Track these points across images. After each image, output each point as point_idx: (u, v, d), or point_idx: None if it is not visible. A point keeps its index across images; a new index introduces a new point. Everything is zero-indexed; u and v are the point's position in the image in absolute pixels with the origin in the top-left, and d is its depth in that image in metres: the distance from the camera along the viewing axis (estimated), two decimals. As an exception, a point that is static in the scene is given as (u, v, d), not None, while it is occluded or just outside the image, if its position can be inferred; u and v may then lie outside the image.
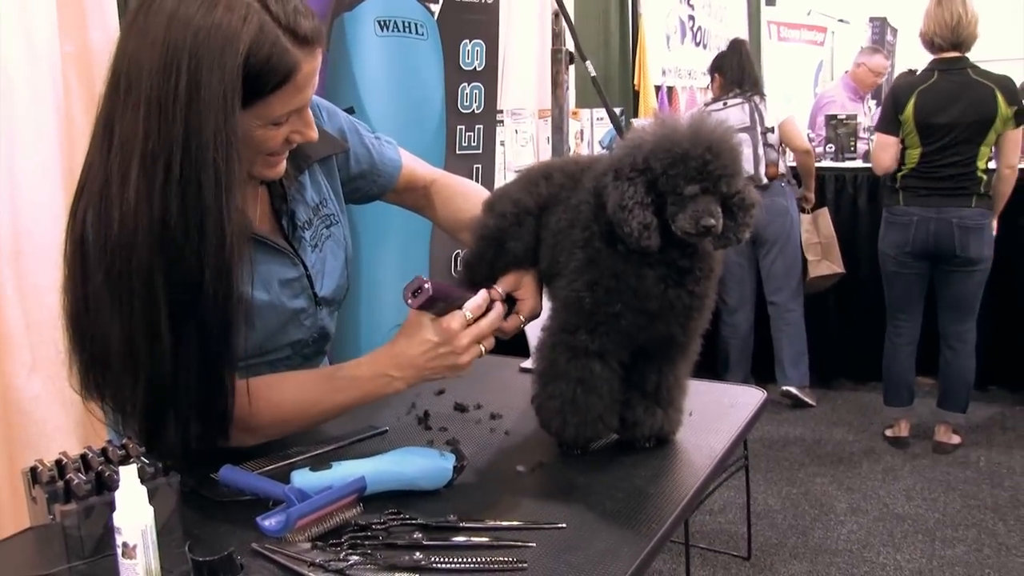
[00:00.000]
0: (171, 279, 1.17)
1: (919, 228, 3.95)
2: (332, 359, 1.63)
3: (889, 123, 4.03)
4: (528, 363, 1.81)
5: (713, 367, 4.78)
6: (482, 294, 1.37)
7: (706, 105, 4.58)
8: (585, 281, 1.34)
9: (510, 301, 1.48)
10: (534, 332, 1.52)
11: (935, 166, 3.92)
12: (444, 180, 1.74)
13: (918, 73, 4.03)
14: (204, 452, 1.29)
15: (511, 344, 1.58)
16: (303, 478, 1.25)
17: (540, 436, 1.52)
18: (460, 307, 1.34)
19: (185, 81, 1.13)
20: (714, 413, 1.63)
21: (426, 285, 1.28)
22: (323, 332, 1.52)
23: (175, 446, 1.26)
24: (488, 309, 1.38)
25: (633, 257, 1.31)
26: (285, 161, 1.37)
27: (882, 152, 4.06)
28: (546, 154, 4.19)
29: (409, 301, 1.30)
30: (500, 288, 1.46)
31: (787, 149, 4.66)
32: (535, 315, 1.50)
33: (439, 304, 1.32)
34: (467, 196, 1.68)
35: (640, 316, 1.34)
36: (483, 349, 1.37)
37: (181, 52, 1.13)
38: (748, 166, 4.41)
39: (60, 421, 2.22)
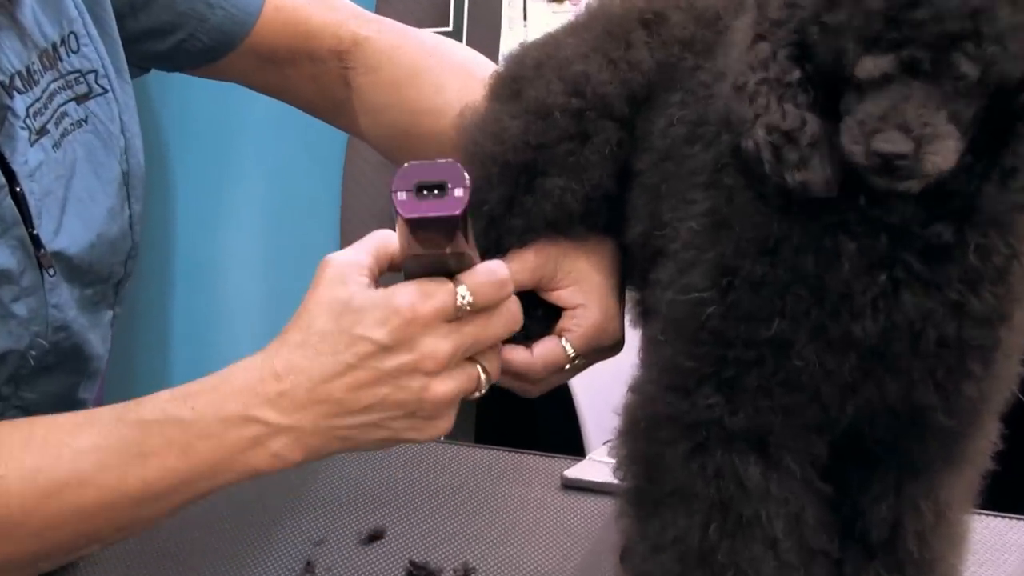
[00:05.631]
0: None
1: None
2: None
3: None
4: (577, 470, 1.19)
5: None
6: (499, 261, 0.75)
7: None
8: (708, 266, 0.73)
9: (533, 305, 0.83)
10: (594, 401, 1.12)
11: None
12: (387, 39, 1.06)
13: None
14: None
15: (542, 429, 1.14)
16: None
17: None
18: (455, 268, 0.71)
19: None
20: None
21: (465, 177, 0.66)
22: (71, 343, 0.89)
23: None
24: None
25: (807, 208, 0.69)
26: None
27: None
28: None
29: (402, 206, 0.66)
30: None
31: None
32: (604, 343, 0.85)
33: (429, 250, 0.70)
34: (439, 73, 1.02)
35: (834, 352, 0.70)
36: (483, 377, 0.75)
37: None
38: None
39: None
